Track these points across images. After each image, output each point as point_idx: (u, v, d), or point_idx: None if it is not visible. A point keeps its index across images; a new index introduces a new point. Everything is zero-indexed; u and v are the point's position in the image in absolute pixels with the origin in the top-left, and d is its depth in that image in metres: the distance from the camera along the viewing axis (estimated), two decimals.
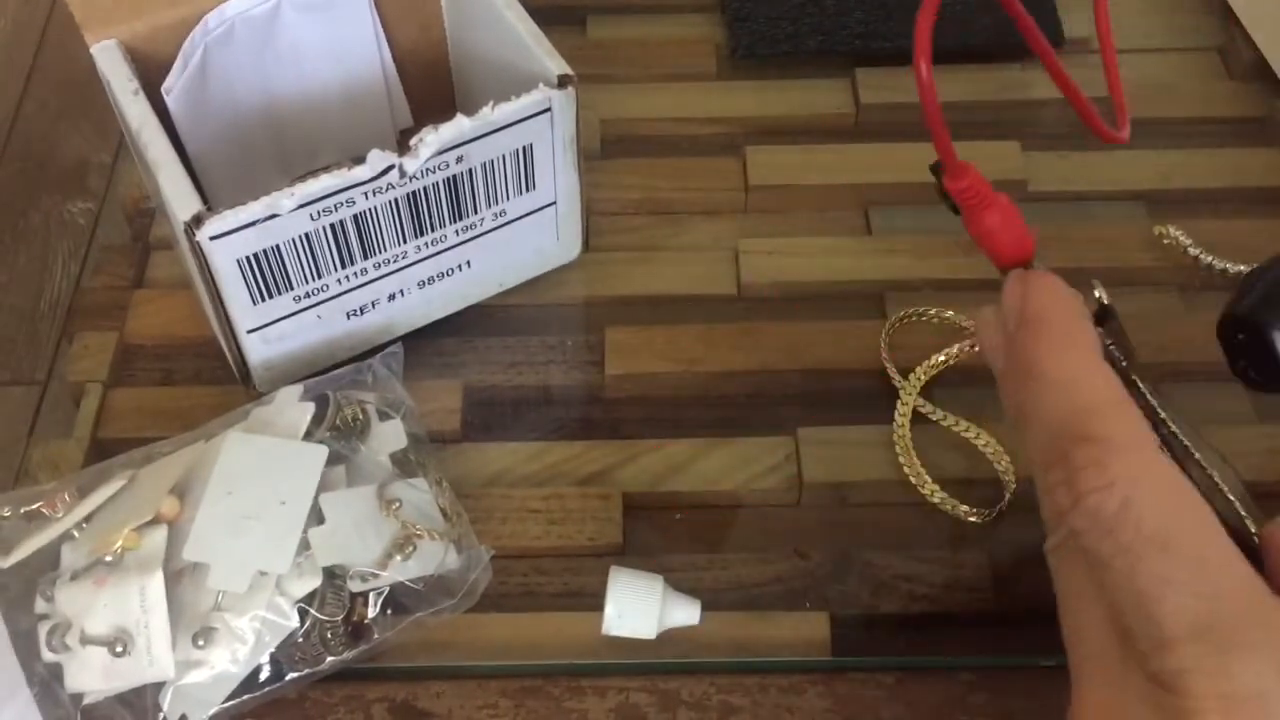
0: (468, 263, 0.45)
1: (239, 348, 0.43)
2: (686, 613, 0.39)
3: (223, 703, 0.37)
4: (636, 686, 0.39)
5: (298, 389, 0.42)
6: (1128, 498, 0.29)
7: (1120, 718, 0.29)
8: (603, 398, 0.46)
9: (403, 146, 0.40)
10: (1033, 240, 0.34)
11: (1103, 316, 0.34)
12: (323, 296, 0.43)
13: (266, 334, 0.43)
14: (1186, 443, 0.33)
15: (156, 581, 0.37)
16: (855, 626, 0.40)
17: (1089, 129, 0.37)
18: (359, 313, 0.44)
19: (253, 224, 0.39)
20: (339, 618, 0.38)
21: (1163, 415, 0.33)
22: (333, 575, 0.38)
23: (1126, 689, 0.29)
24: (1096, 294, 0.34)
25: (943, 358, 0.45)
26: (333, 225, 0.41)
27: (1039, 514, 0.42)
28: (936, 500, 0.42)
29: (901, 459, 0.43)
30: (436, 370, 0.46)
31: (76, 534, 0.39)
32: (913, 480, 0.43)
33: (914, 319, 0.47)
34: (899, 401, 0.44)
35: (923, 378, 0.45)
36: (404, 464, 0.42)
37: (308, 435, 0.41)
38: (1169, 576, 0.28)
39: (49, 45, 0.60)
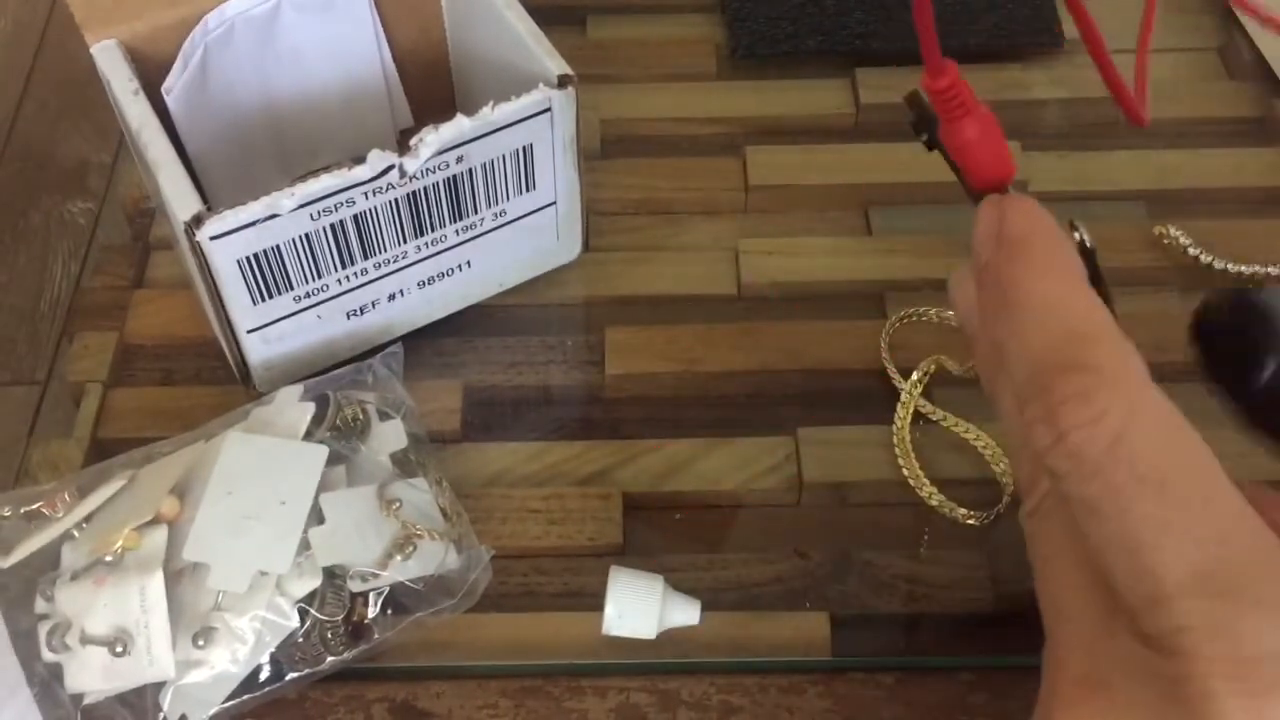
0: (468, 263, 0.45)
1: (239, 348, 0.43)
2: (686, 613, 0.39)
3: (223, 703, 0.37)
4: (636, 686, 0.39)
5: (298, 389, 0.42)
6: (1119, 433, 0.25)
7: (1104, 692, 0.26)
8: (603, 398, 0.46)
9: (403, 146, 0.40)
10: (1013, 162, 0.31)
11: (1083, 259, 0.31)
12: (323, 296, 0.43)
13: (266, 334, 0.43)
14: None
15: (156, 581, 0.37)
16: (855, 626, 0.40)
17: (1122, 109, 0.34)
18: (359, 313, 0.44)
19: (253, 224, 0.39)
20: (339, 618, 0.38)
21: None
22: (333, 575, 0.38)
23: (1113, 656, 0.26)
24: (1078, 235, 0.31)
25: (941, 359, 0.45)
26: (333, 225, 0.41)
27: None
28: (935, 504, 0.42)
29: (901, 462, 0.43)
30: (436, 370, 0.46)
31: (76, 534, 0.39)
32: (911, 483, 0.43)
33: (914, 319, 0.47)
34: (899, 404, 0.44)
35: (922, 381, 0.45)
36: (404, 464, 0.42)
37: (308, 435, 0.41)
38: (1166, 520, 0.25)
39: (49, 45, 0.60)
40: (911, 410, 0.44)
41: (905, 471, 0.43)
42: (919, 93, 0.32)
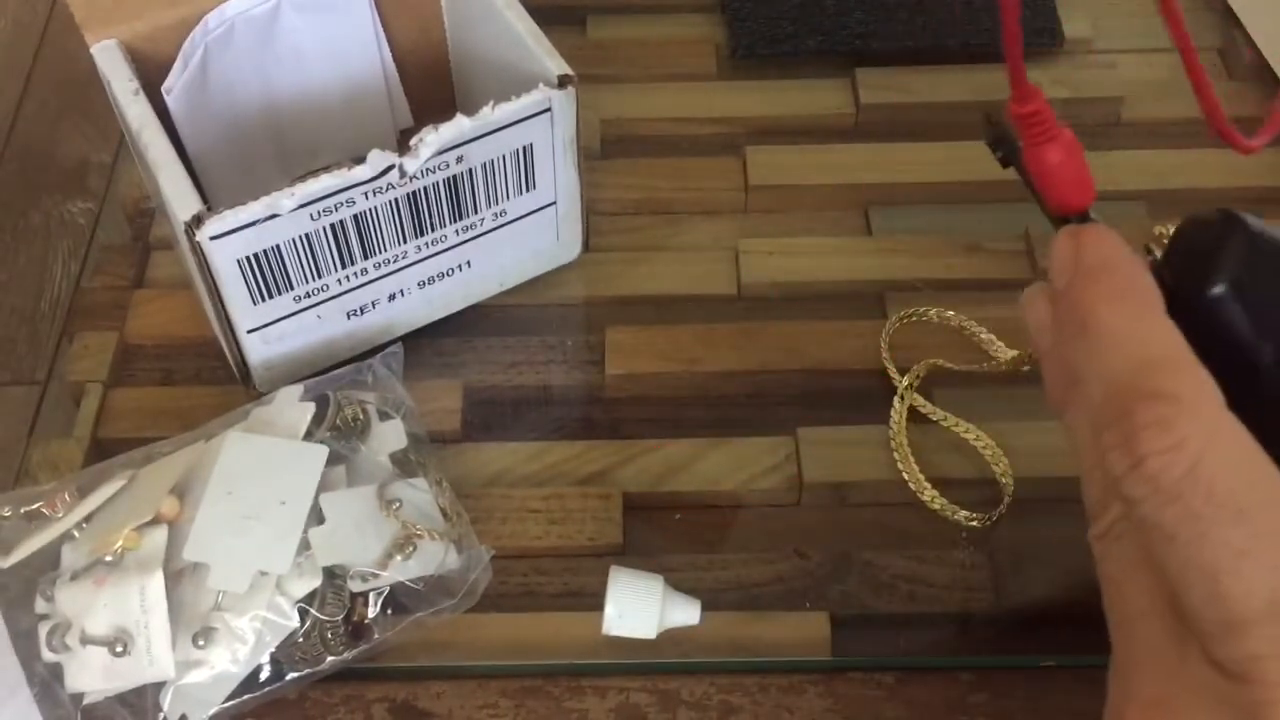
0: (468, 263, 0.45)
1: (239, 348, 0.43)
2: (686, 613, 0.39)
3: (223, 703, 0.37)
4: (636, 686, 0.39)
5: (298, 389, 0.42)
6: (1198, 459, 0.25)
7: (1174, 717, 0.26)
8: (603, 398, 0.46)
9: (403, 146, 0.40)
10: (1094, 187, 0.32)
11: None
12: (323, 296, 0.43)
13: (266, 334, 0.43)
14: None
15: (156, 581, 0.37)
16: (855, 626, 0.40)
17: (1221, 136, 0.34)
18: (359, 313, 0.44)
19: (253, 224, 0.39)
20: (339, 618, 0.38)
21: None
22: (333, 575, 0.38)
23: (1184, 682, 0.26)
24: (1150, 257, 0.31)
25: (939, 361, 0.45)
26: (333, 225, 0.41)
27: (1038, 513, 0.42)
28: (936, 507, 0.42)
29: (900, 466, 0.43)
30: (436, 370, 0.46)
31: (76, 534, 0.39)
32: (912, 486, 0.43)
33: (914, 319, 0.47)
34: (893, 410, 0.44)
35: (913, 385, 0.45)
36: (404, 464, 0.42)
37: (308, 435, 0.41)
38: (1244, 548, 0.25)
39: (49, 45, 0.60)
40: (905, 414, 0.44)
41: (905, 476, 0.43)
42: (996, 112, 0.32)
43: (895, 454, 0.43)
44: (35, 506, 0.40)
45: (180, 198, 0.39)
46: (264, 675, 0.38)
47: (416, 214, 0.42)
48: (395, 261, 0.43)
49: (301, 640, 0.38)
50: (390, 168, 0.40)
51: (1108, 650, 0.29)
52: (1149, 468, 0.26)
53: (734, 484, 0.43)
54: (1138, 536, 0.28)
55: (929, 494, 0.42)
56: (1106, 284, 0.29)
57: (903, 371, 0.45)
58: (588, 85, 0.43)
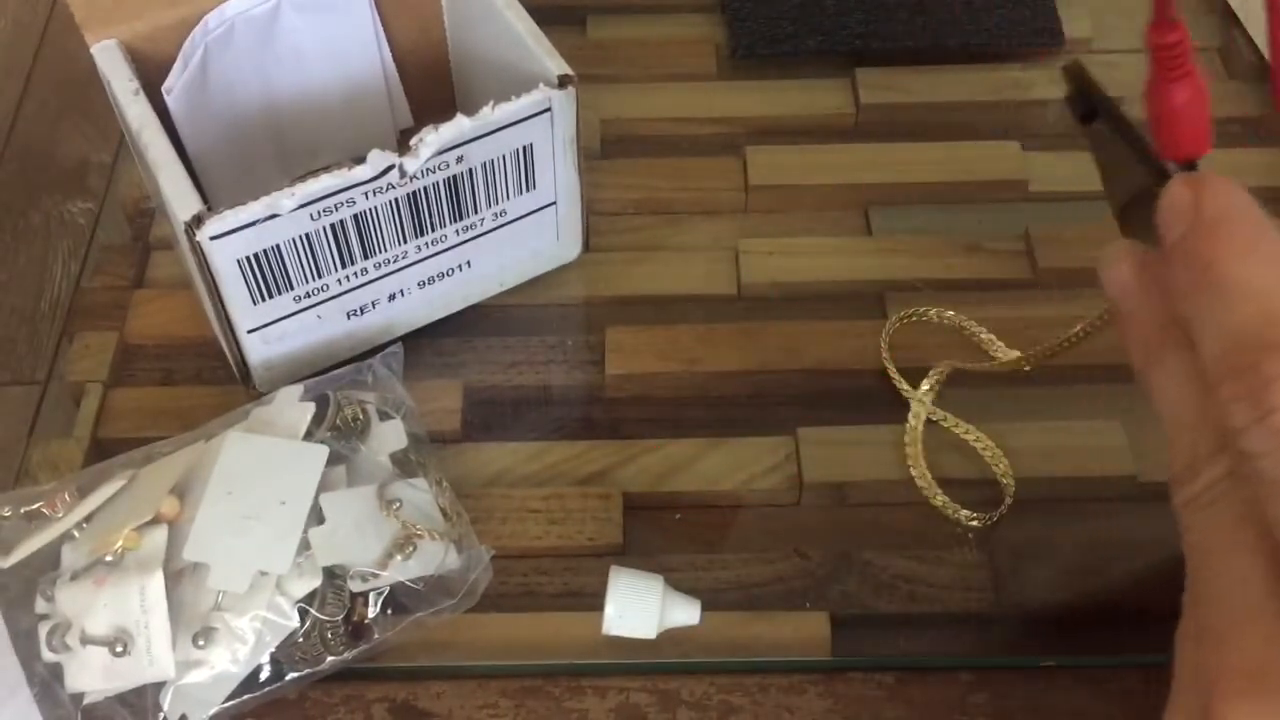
0: (468, 263, 0.46)
1: (239, 348, 0.43)
2: (686, 613, 0.39)
3: (223, 703, 0.37)
4: (636, 686, 0.39)
5: (298, 389, 0.42)
6: None
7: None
8: (603, 398, 0.46)
9: (403, 146, 0.40)
10: (1211, 137, 0.30)
11: None
12: (323, 296, 0.43)
13: (266, 334, 0.43)
14: None
15: (156, 581, 0.37)
16: (855, 626, 0.40)
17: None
18: (359, 313, 0.44)
19: (253, 224, 0.39)
20: (339, 618, 0.38)
21: None
22: (333, 575, 0.38)
23: None
24: None
25: (944, 366, 0.45)
26: (333, 225, 0.41)
27: (1038, 513, 0.42)
28: (939, 504, 0.42)
29: (911, 465, 0.43)
30: (436, 370, 0.46)
31: (76, 534, 0.39)
32: (922, 488, 0.43)
33: (914, 319, 0.47)
34: (911, 414, 0.44)
35: (935, 389, 0.44)
36: (404, 464, 0.42)
37: (308, 435, 0.41)
38: None
39: (49, 45, 0.60)
40: (924, 418, 0.44)
41: (914, 474, 0.43)
42: (1079, 63, 0.32)
43: (908, 450, 0.43)
44: (35, 506, 0.40)
45: (180, 198, 0.39)
46: (264, 675, 0.38)
47: (416, 214, 0.42)
48: (395, 261, 0.43)
49: (301, 640, 0.38)
50: (390, 168, 0.40)
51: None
52: (1277, 421, 0.25)
53: (734, 484, 0.43)
54: (1235, 499, 0.27)
55: (940, 499, 0.42)
56: (1231, 234, 0.28)
57: (903, 372, 0.45)
58: (588, 85, 0.43)
